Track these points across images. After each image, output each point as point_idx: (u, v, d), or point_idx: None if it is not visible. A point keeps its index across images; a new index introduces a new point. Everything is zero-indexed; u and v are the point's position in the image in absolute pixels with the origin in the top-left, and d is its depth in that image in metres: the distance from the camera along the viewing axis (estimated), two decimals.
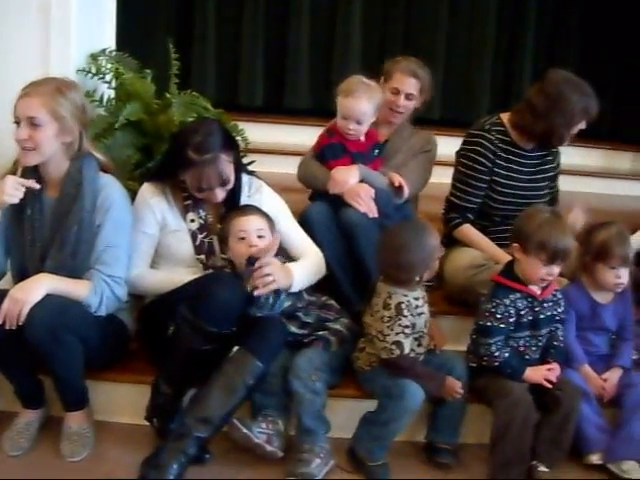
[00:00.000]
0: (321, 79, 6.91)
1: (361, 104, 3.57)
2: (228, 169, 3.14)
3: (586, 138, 6.94)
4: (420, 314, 3.09)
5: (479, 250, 3.69)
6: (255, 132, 5.35)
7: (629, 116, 7.50)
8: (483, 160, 3.73)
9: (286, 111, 6.81)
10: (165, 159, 3.30)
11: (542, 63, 7.10)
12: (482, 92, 7.08)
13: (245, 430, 2.91)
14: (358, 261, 3.44)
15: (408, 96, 3.88)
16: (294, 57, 6.86)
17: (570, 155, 6.13)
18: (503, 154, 3.75)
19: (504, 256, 3.49)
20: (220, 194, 3.17)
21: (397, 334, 3.02)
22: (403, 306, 3.03)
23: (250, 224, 3.14)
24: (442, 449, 3.15)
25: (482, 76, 7.17)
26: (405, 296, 3.05)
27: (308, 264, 3.31)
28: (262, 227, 3.16)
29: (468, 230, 3.76)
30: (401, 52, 6.90)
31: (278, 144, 5.93)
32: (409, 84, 3.88)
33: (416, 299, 3.08)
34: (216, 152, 3.09)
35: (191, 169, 3.10)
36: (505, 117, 3.81)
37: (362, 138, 3.68)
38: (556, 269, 3.11)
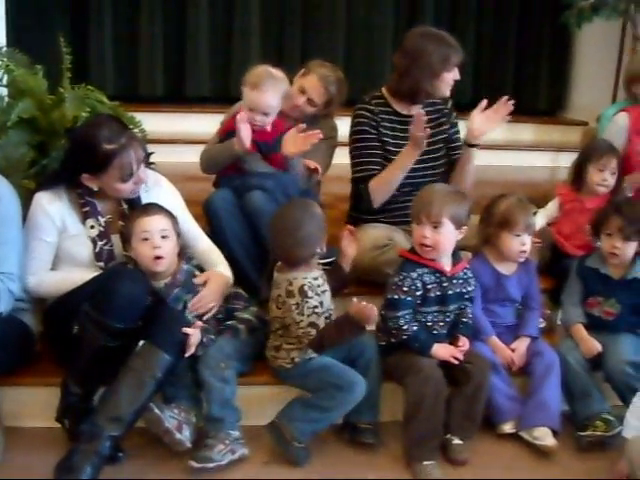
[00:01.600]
0: (221, 66, 6.87)
1: (267, 98, 3.55)
2: (141, 147, 3.11)
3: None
4: (324, 292, 3.08)
5: (394, 175, 3.66)
6: (157, 122, 5.32)
7: (530, 89, 7.65)
8: (367, 129, 3.75)
9: (187, 99, 6.74)
10: (68, 168, 3.15)
11: None
12: (383, 70, 7.08)
13: (157, 411, 2.87)
14: (264, 247, 3.41)
15: (310, 101, 3.89)
16: (193, 45, 6.80)
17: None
18: (387, 123, 3.77)
19: (406, 154, 3.57)
20: (143, 174, 3.11)
21: (309, 316, 3.01)
22: (306, 288, 3.02)
23: (153, 224, 3.07)
24: (364, 429, 3.16)
25: (383, 55, 7.19)
26: (305, 278, 3.04)
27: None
28: (166, 227, 3.10)
29: (375, 178, 3.71)
30: (300, 33, 6.97)
31: (181, 133, 5.88)
32: (317, 92, 3.90)
33: (315, 279, 3.07)
34: (127, 133, 3.06)
35: (112, 162, 3.01)
36: (385, 88, 3.85)
37: (268, 128, 3.64)
38: (428, 231, 3.11)
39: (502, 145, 6.84)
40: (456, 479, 3.03)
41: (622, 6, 6.23)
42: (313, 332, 3.02)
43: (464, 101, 7.06)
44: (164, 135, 5.54)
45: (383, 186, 3.69)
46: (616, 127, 4.13)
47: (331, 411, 3.03)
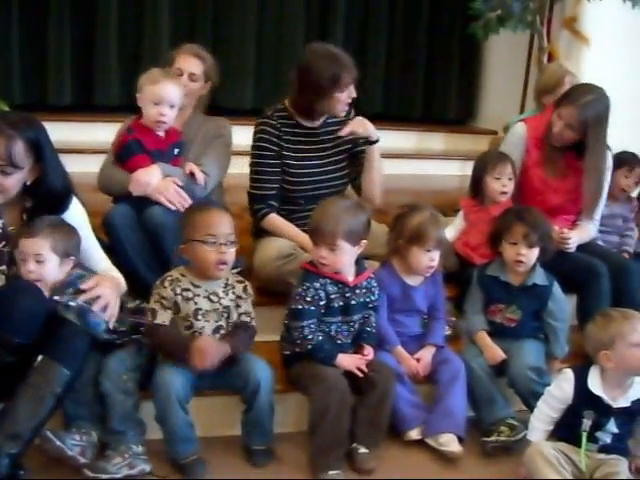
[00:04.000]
0: (130, 75, 6.74)
1: (173, 87, 3.59)
2: (18, 156, 2.90)
3: (399, 121, 7.22)
4: (188, 300, 3.02)
5: (286, 238, 3.71)
6: (65, 131, 5.22)
7: (440, 98, 7.75)
8: (268, 145, 3.77)
9: (96, 108, 6.64)
10: None
11: (353, 50, 7.19)
12: None
13: (58, 442, 2.81)
14: (165, 260, 3.38)
15: (191, 76, 3.84)
16: (102, 55, 6.67)
17: (384, 138, 6.28)
18: (290, 137, 3.79)
19: (310, 242, 3.52)
20: (6, 182, 2.93)
21: (155, 302, 3.01)
22: (168, 279, 3.03)
23: (29, 247, 2.95)
24: (257, 451, 3.12)
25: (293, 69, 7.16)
26: (183, 276, 3.04)
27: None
28: (41, 252, 2.95)
29: (274, 220, 3.78)
30: (211, 46, 6.90)
31: (89, 142, 5.78)
32: (192, 63, 3.86)
33: (195, 286, 3.04)
34: (18, 133, 2.89)
35: None
36: (287, 101, 3.87)
37: (162, 134, 3.63)
38: (324, 252, 3.12)
39: (412, 154, 6.92)
40: None
41: (528, 17, 6.33)
42: (149, 318, 3.02)
43: (375, 111, 7.19)
44: (72, 145, 5.45)
45: (274, 231, 3.77)
46: (514, 137, 4.19)
47: (162, 419, 2.95)
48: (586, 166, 3.96)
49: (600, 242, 4.29)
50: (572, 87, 4.13)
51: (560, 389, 3.07)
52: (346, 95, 3.72)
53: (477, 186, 4.06)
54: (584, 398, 3.03)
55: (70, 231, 3.08)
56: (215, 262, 2.99)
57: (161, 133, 3.64)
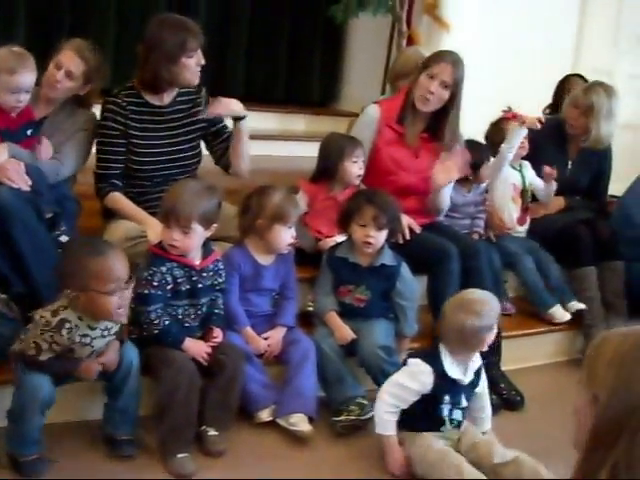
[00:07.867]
0: None
1: (30, 75, 3.44)
2: None
3: (261, 102, 7.19)
4: (85, 345, 2.85)
5: (128, 217, 3.65)
6: None
7: (303, 80, 7.77)
8: (112, 124, 3.69)
9: None
10: None
11: (215, 30, 7.14)
12: None
13: None
14: (13, 244, 3.24)
15: (68, 73, 3.70)
16: None
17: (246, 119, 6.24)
18: (136, 115, 3.72)
19: (150, 220, 3.51)
20: None
21: (43, 340, 2.77)
22: (67, 326, 2.78)
23: None
24: (123, 441, 3.03)
25: None
26: (80, 320, 2.80)
27: None
28: None
29: (116, 198, 3.70)
30: (69, 24, 6.71)
31: None
32: (73, 62, 3.70)
33: (92, 329, 2.84)
34: None
35: None
36: (135, 79, 3.80)
37: (13, 115, 3.50)
38: (177, 234, 3.09)
39: (274, 135, 6.91)
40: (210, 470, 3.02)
41: (389, 2, 6.38)
42: (32, 352, 2.81)
43: (237, 91, 7.15)
44: None
45: (116, 210, 3.70)
46: (366, 118, 4.23)
47: (22, 417, 2.78)
48: (446, 128, 4.03)
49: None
50: (435, 52, 4.19)
51: (418, 382, 3.09)
52: (195, 61, 3.66)
53: (330, 172, 4.04)
54: (442, 384, 3.10)
55: None
56: (117, 309, 2.79)
57: (12, 113, 3.50)
